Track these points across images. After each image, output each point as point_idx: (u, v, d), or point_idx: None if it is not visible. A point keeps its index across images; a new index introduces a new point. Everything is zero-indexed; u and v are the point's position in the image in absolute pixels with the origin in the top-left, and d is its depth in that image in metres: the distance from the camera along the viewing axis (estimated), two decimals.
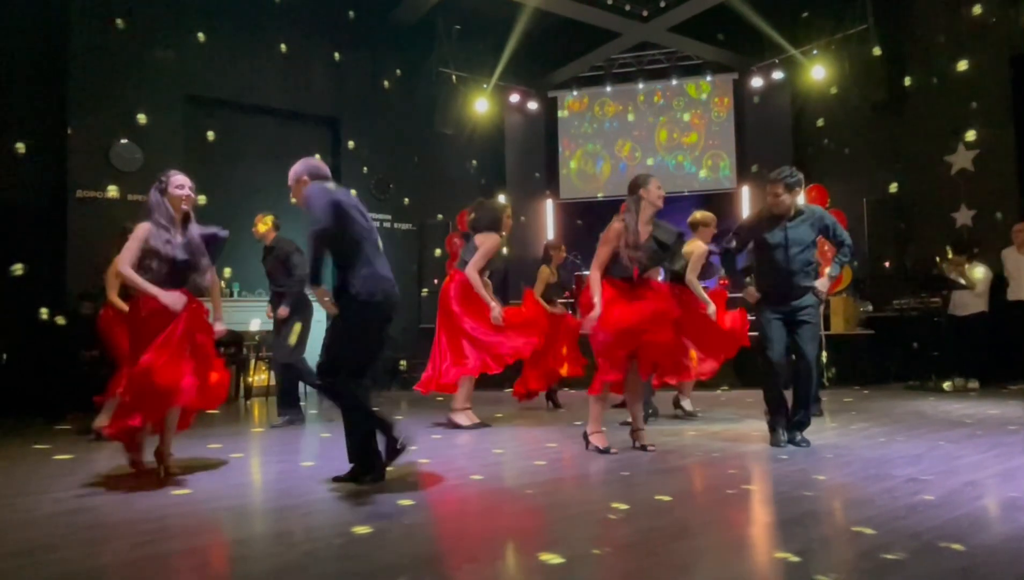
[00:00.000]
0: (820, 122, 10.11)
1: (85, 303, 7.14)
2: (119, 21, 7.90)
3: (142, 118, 8.12)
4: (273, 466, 4.11)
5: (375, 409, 3.42)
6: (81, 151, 7.94)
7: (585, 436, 4.34)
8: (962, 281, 7.58)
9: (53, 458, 4.45)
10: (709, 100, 11.48)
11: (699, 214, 5.78)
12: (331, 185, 3.50)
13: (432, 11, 10.09)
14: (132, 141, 8.18)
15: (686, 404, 5.84)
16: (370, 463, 3.44)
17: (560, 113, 12.00)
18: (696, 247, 5.52)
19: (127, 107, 8.06)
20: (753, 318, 5.24)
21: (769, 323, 4.35)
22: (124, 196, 8.02)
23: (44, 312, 6.88)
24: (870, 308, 8.95)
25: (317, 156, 3.87)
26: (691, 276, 5.41)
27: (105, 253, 7.62)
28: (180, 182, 3.76)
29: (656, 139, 11.66)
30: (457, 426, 5.47)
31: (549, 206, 11.73)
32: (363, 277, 3.34)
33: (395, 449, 3.38)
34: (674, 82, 11.43)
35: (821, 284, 4.33)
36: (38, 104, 7.94)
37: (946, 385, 7.44)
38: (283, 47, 9.34)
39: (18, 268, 6.04)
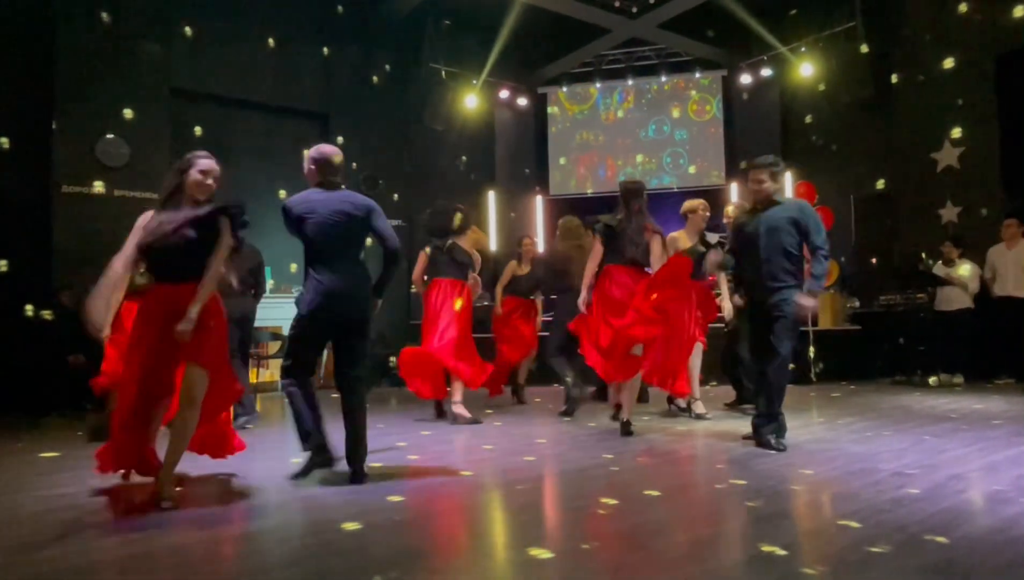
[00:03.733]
0: (808, 119, 10.17)
1: (65, 292, 7.06)
2: (105, 15, 7.82)
3: (128, 113, 8.05)
4: (261, 463, 4.09)
5: (306, 417, 3.52)
6: (66, 146, 7.85)
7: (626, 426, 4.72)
8: (953, 278, 7.65)
9: (39, 455, 4.42)
10: (698, 97, 11.52)
11: (694, 202, 5.63)
12: (314, 191, 3.62)
13: (421, 6, 10.05)
14: (118, 136, 8.09)
15: (680, 402, 5.75)
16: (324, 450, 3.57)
17: (550, 109, 12.00)
18: (677, 242, 5.40)
19: (113, 101, 7.98)
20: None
21: (747, 319, 4.33)
22: (111, 192, 7.95)
23: (29, 309, 6.82)
24: (857, 304, 9.02)
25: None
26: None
27: (90, 248, 7.60)
28: (206, 167, 3.25)
29: (645, 135, 11.69)
30: (458, 416, 5.47)
31: (539, 202, 11.74)
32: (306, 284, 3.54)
33: (312, 464, 3.53)
34: (663, 79, 11.46)
35: (807, 290, 4.09)
36: (23, 98, 7.83)
37: (932, 380, 7.52)
38: (271, 41, 9.28)
39: (2, 265, 5.99)
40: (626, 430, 4.70)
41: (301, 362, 3.61)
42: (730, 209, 6.25)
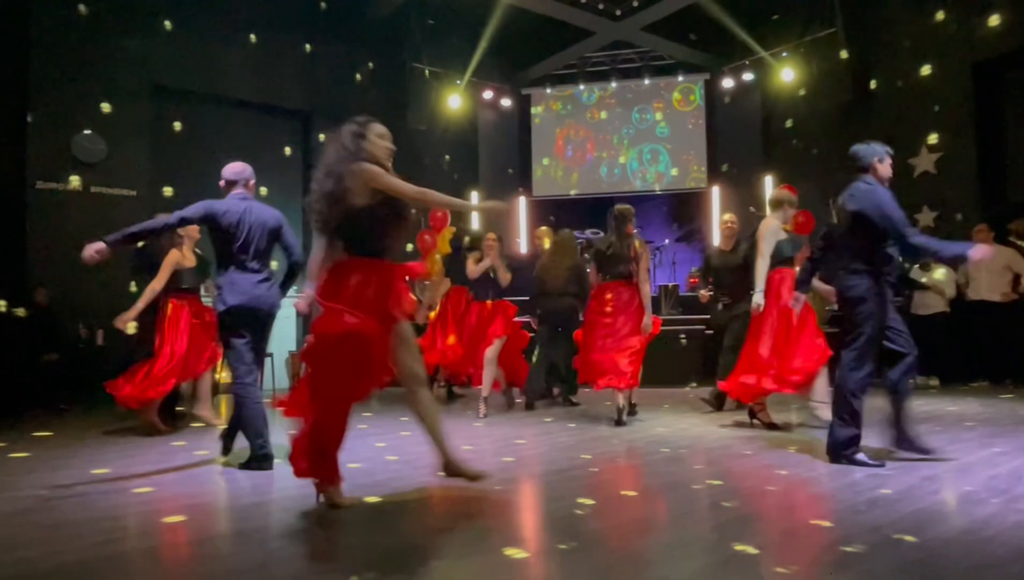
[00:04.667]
0: (789, 123, 10.27)
1: (39, 290, 6.95)
2: (82, 7, 7.70)
3: (106, 108, 7.93)
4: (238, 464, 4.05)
5: (249, 416, 3.77)
6: (41, 141, 7.72)
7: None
8: (934, 283, 7.75)
9: (9, 456, 4.33)
10: (681, 99, 11.59)
11: (791, 194, 5.27)
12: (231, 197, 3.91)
13: (406, 5, 10.02)
14: (95, 131, 7.98)
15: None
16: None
17: (533, 110, 12.02)
18: (778, 232, 5.02)
19: (90, 96, 7.87)
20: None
21: (881, 313, 3.65)
22: (87, 188, 7.83)
23: (2, 305, 6.70)
24: (835, 307, 9.10)
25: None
26: (760, 261, 4.94)
27: (65, 245, 7.49)
28: (382, 131, 3.06)
29: (628, 137, 11.75)
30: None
31: (522, 203, 11.74)
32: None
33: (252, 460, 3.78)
34: (646, 81, 11.52)
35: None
36: None
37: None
38: (253, 37, 9.19)
39: None
40: (620, 420, 5.22)
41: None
42: (729, 217, 6.32)
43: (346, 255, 2.91)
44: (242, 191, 3.93)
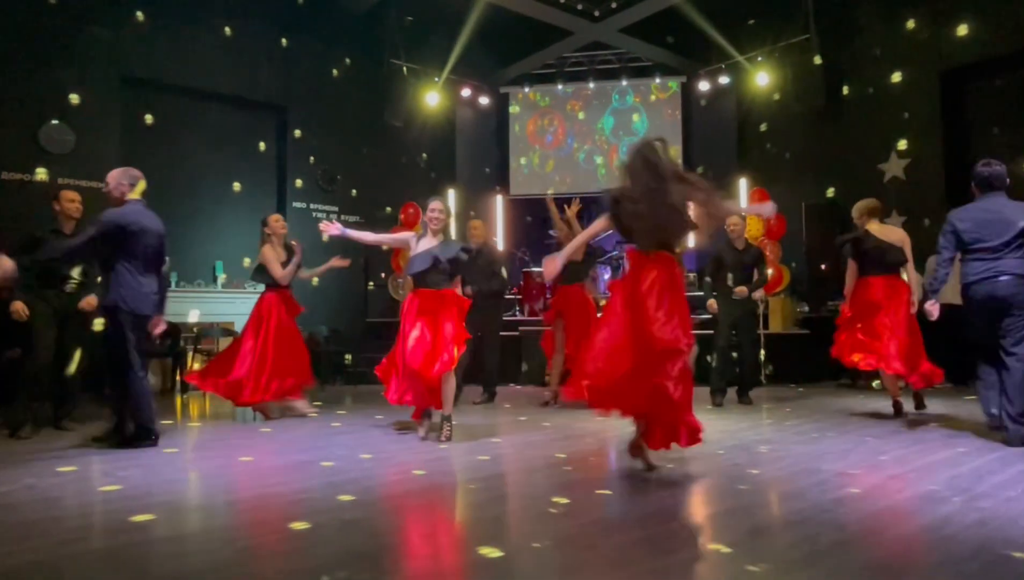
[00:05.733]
0: (763, 127, 10.41)
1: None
2: None
3: (74, 98, 7.77)
4: (209, 461, 4.00)
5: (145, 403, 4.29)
6: (7, 131, 7.52)
7: None
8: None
9: None
10: (657, 101, 11.69)
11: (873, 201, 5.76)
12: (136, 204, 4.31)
13: (384, 1, 9.96)
14: (63, 122, 7.80)
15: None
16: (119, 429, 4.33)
17: (511, 109, 12.02)
18: (897, 232, 5.57)
19: (59, 86, 7.68)
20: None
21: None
22: (54, 179, 7.65)
23: None
24: (806, 309, 9.26)
25: None
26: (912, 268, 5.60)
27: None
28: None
29: (605, 138, 11.81)
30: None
31: (499, 202, 11.74)
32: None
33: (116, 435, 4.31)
34: (624, 83, 11.58)
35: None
36: None
37: (875, 384, 7.75)
38: (228, 30, 9.06)
39: None
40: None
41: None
42: (736, 220, 6.45)
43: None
44: (142, 198, 4.33)
